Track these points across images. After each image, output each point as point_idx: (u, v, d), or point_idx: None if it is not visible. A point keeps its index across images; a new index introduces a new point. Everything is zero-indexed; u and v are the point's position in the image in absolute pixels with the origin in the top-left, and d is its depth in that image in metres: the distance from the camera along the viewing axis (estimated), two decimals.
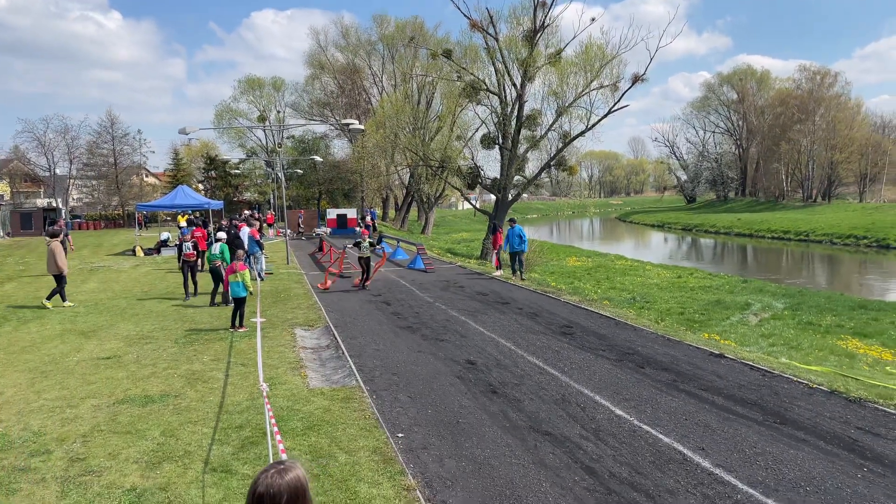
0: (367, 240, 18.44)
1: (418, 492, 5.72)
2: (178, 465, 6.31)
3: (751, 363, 9.89)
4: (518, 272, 20.23)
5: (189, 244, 16.93)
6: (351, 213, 45.41)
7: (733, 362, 10.01)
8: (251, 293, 13.37)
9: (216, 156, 60.70)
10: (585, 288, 20.50)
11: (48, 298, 15.82)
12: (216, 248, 16.02)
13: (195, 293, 16.85)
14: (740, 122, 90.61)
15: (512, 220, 21.25)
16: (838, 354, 12.13)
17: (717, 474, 6.06)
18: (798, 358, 11.36)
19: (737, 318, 15.89)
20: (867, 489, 5.69)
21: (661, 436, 7.03)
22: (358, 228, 43.96)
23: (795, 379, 8.98)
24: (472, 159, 34.72)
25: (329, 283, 19.01)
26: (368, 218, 36.16)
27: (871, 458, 6.32)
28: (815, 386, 8.63)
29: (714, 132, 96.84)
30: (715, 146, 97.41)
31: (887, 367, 10.87)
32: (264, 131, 58.55)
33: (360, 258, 18.40)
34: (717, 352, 10.63)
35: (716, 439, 6.90)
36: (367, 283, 18.26)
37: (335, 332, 12.41)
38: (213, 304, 15.62)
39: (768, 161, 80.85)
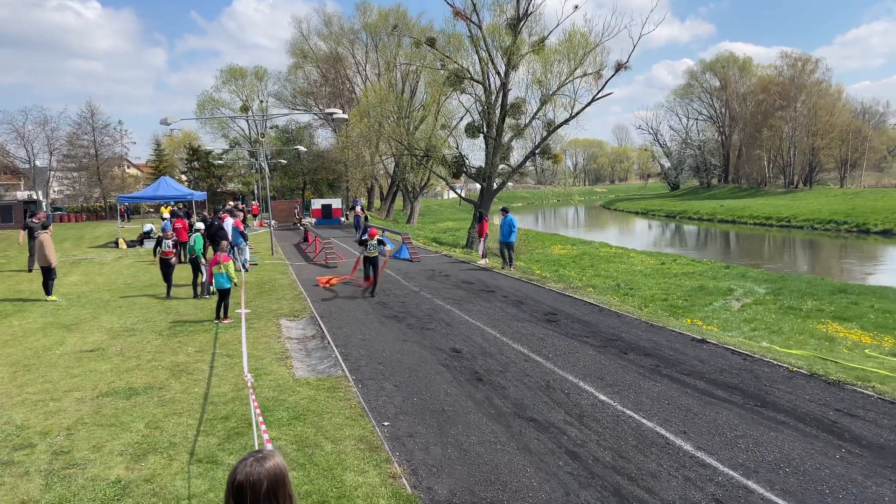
0: (374, 239, 15.41)
1: (404, 479, 5.77)
2: (163, 457, 6.31)
3: (732, 348, 10.02)
4: (507, 263, 19.99)
5: (170, 241, 16.02)
6: (336, 203, 45.25)
7: (715, 347, 10.13)
8: (236, 284, 13.32)
9: (199, 146, 60.25)
10: (570, 275, 20.60)
11: (49, 294, 15.67)
12: (193, 239, 15.95)
13: (168, 293, 15.76)
14: (723, 110, 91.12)
15: (504, 210, 20.93)
16: (818, 338, 12.30)
17: (699, 457, 6.15)
18: (779, 342, 11.51)
19: (719, 303, 16.05)
20: (845, 469, 5.80)
21: (643, 420, 7.12)
22: (343, 220, 44.00)
23: (776, 363, 9.11)
24: (457, 148, 34.70)
25: (335, 280, 17.85)
26: (358, 208, 36.01)
27: (849, 440, 6.44)
28: (795, 369, 8.76)
29: (697, 119, 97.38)
30: (698, 133, 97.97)
31: (866, 350, 11.05)
32: (247, 121, 58.04)
33: (366, 258, 15.60)
34: (699, 337, 10.75)
35: (697, 423, 7.00)
36: (373, 290, 15.58)
37: (321, 323, 12.40)
38: (196, 296, 15.53)
39: (750, 148, 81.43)
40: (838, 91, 78.04)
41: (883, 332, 12.91)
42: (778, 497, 5.34)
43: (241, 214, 22.81)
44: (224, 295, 12.73)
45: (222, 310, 12.74)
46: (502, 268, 19.79)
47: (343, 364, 9.49)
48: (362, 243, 15.62)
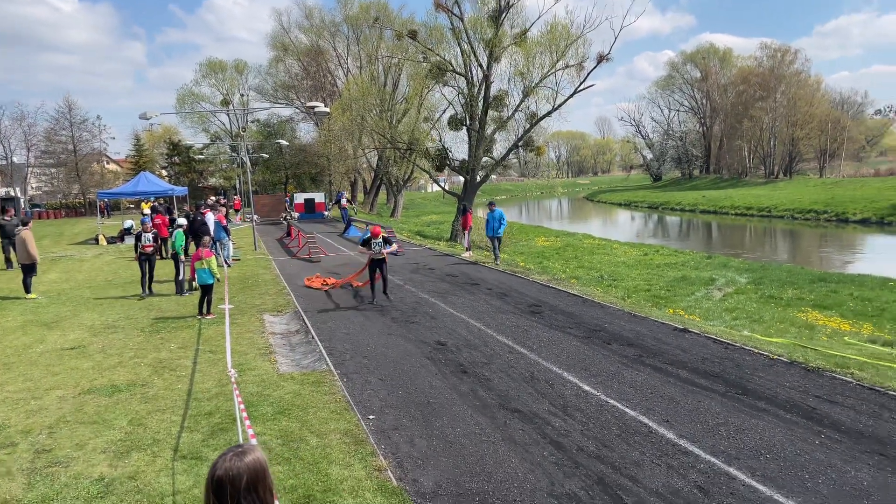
0: (380, 236, 13.79)
1: (389, 472, 5.78)
2: (146, 454, 6.27)
3: (714, 337, 10.12)
4: (495, 256, 19.86)
5: (150, 235, 15.58)
6: (319, 197, 45.02)
7: (697, 336, 10.23)
8: (219, 280, 13.23)
9: (179, 141, 59.65)
10: (554, 267, 20.68)
11: (28, 291, 15.47)
12: (174, 235, 15.81)
13: (150, 290, 15.35)
14: (704, 101, 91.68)
15: (491, 204, 20.76)
16: (799, 326, 12.45)
17: (682, 445, 6.22)
18: (760, 331, 11.64)
19: (701, 293, 16.19)
20: (824, 455, 5.89)
21: (627, 409, 7.18)
22: (326, 213, 43.80)
23: (757, 351, 9.22)
24: (440, 141, 34.60)
25: (332, 282, 16.44)
26: (343, 201, 35.85)
27: (829, 425, 6.54)
28: (775, 357, 8.87)
29: (679, 111, 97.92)
30: (679, 124, 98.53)
31: (845, 338, 11.21)
32: (228, 115, 57.62)
33: (372, 261, 13.79)
34: (681, 327, 10.85)
35: (680, 411, 7.07)
36: (384, 290, 13.90)
37: (304, 317, 12.36)
38: (179, 292, 15.40)
39: (731, 138, 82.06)
40: (817, 81, 78.86)
41: (862, 319, 13.09)
42: (759, 483, 5.42)
43: (224, 210, 22.62)
44: (207, 291, 12.65)
45: (205, 305, 12.66)
46: (494, 261, 19.64)
47: (327, 358, 9.48)
48: (366, 244, 13.77)
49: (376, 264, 13.74)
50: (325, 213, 43.76)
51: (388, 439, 6.60)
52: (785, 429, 6.49)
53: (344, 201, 35.66)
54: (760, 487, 5.34)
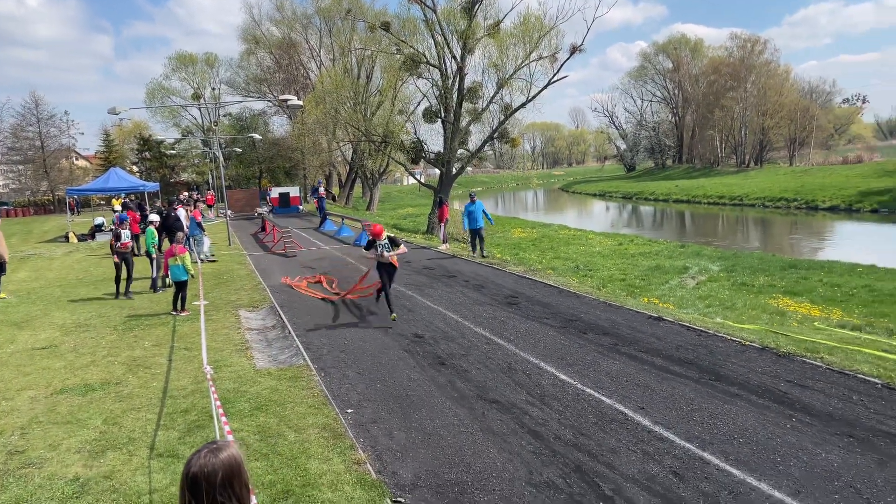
0: (384, 237, 11.55)
1: (368, 465, 5.79)
2: (122, 453, 6.20)
3: (687, 324, 10.26)
4: (478, 249, 19.41)
5: (126, 232, 14.93)
6: (294, 191, 44.68)
7: (671, 324, 10.37)
8: (193, 276, 13.08)
9: (150, 136, 58.69)
10: (530, 258, 20.77)
11: None
12: (146, 232, 15.55)
13: (128, 293, 14.55)
14: (676, 91, 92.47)
15: (472, 195, 20.20)
16: (770, 313, 12.67)
17: (657, 431, 6.31)
18: (732, 317, 11.83)
19: (675, 281, 16.39)
20: (796, 438, 6.02)
21: (603, 398, 7.26)
22: (301, 208, 43.49)
23: (729, 337, 9.37)
24: (415, 133, 34.52)
25: (301, 283, 15.52)
26: (321, 189, 35.61)
27: (800, 409, 6.68)
28: (747, 343, 9.03)
29: (651, 101, 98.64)
30: (652, 115, 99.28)
31: (815, 323, 11.43)
32: (199, 109, 56.76)
33: (379, 265, 11.64)
34: (655, 315, 10.99)
35: (655, 398, 7.17)
36: (389, 304, 11.60)
37: (281, 313, 12.29)
38: (153, 289, 15.20)
39: (703, 128, 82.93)
40: (786, 71, 79.94)
41: (831, 304, 13.36)
42: (732, 467, 5.52)
43: (201, 205, 22.37)
44: (181, 287, 12.51)
45: (179, 302, 12.52)
46: (481, 255, 19.17)
47: (305, 353, 9.44)
48: (371, 245, 11.57)
49: (382, 267, 11.58)
50: (300, 207, 43.45)
51: (366, 432, 6.61)
52: (757, 413, 6.62)
53: (322, 190, 35.43)
54: (734, 471, 5.44)
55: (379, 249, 11.45)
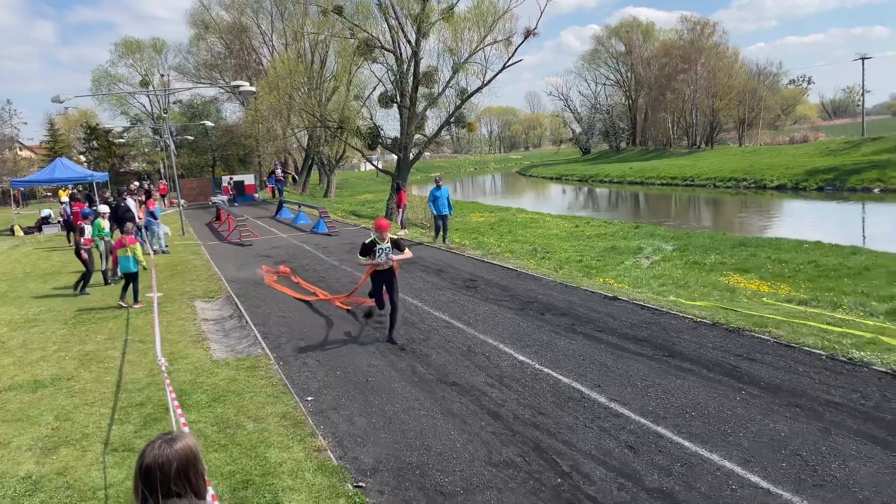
0: (387, 238, 9.09)
1: (329, 451, 5.79)
2: (75, 449, 6.07)
3: (642, 303, 10.48)
4: (440, 236, 19.12)
5: (89, 227, 14.13)
6: (249, 179, 43.93)
7: (626, 303, 10.58)
8: (145, 268, 12.79)
9: (97, 125, 56.98)
10: (489, 242, 20.87)
11: None
12: (102, 223, 15.09)
13: (84, 287, 13.75)
14: (629, 74, 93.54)
15: (438, 180, 19.82)
16: (721, 289, 13.00)
17: (613, 408, 6.46)
18: (685, 295, 12.10)
19: (630, 262, 16.68)
20: (745, 410, 6.23)
21: (560, 377, 7.38)
22: (257, 195, 42.80)
23: (682, 315, 9.61)
24: (372, 119, 34.23)
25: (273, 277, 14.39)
26: (279, 171, 35.03)
27: (749, 382, 6.90)
28: (699, 320, 9.27)
29: (605, 84, 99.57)
30: (606, 98, 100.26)
31: (763, 298, 11.78)
32: (148, 97, 55.14)
33: (377, 273, 9.21)
34: (611, 295, 11.19)
35: (611, 376, 7.32)
36: (392, 327, 9.33)
37: (237, 302, 12.13)
38: (105, 282, 14.81)
39: (656, 111, 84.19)
40: (735, 53, 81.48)
41: (779, 280, 13.78)
42: (684, 440, 5.69)
43: (156, 194, 21.85)
44: (131, 279, 12.22)
45: (133, 294, 12.23)
46: (446, 242, 18.88)
47: (263, 342, 9.35)
48: (368, 250, 9.06)
49: (382, 277, 9.23)
50: (256, 195, 42.78)
51: (327, 419, 6.60)
52: (709, 387, 6.82)
53: (279, 172, 34.86)
54: (686, 444, 5.61)
55: (379, 255, 8.98)
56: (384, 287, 9.29)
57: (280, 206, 30.73)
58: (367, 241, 9.12)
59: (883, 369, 6.90)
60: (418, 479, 5.32)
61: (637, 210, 39.91)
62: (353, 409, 6.83)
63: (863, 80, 63.47)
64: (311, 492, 5.07)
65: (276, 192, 34.97)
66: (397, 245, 9.20)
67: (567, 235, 22.61)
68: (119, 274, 12.80)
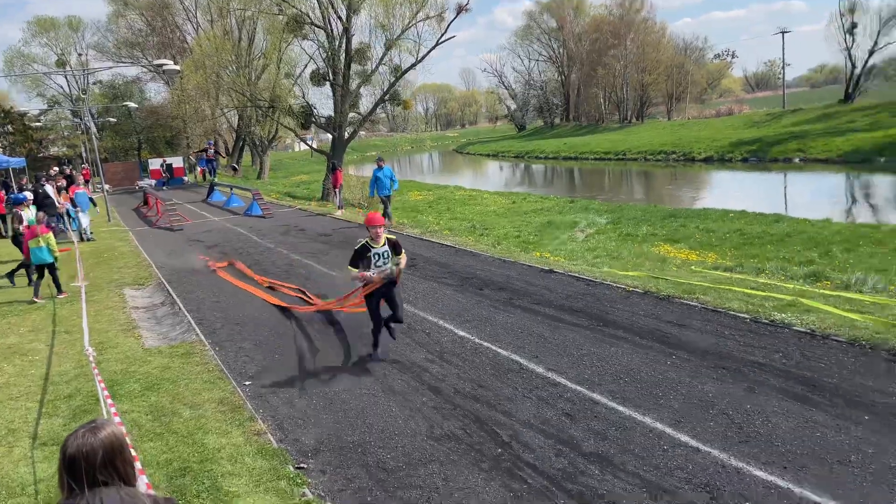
0: (383, 237, 7.41)
1: (269, 434, 5.73)
2: (1, 446, 5.82)
3: (577, 275, 10.71)
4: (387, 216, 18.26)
5: (27, 213, 13.08)
6: (177, 161, 42.49)
7: (562, 276, 10.79)
8: (57, 258, 11.90)
9: (11, 108, 53.81)
10: (428, 220, 20.89)
11: None
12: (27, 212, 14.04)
13: (11, 275, 13.00)
14: (561, 50, 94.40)
15: (380, 160, 19.13)
16: (652, 260, 13.41)
17: (550, 377, 6.60)
18: (618, 266, 12.43)
19: (566, 235, 17.00)
20: (675, 373, 6.47)
21: (499, 350, 7.49)
22: (186, 178, 41.48)
23: (615, 285, 9.87)
24: (304, 97, 33.55)
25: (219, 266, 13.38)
26: (211, 151, 33.94)
27: (678, 347, 7.16)
28: (631, 289, 9.54)
29: (538, 60, 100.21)
30: (539, 74, 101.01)
31: (692, 267, 12.22)
32: (66, 77, 52.60)
33: (371, 291, 7.36)
34: (547, 268, 11.39)
35: (548, 347, 7.48)
36: (391, 333, 7.75)
37: (169, 289, 11.78)
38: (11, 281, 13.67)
39: (588, 86, 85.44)
40: (663, 28, 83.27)
41: (707, 249, 14.30)
42: (618, 405, 5.87)
43: (80, 178, 20.90)
44: (46, 271, 11.47)
45: (45, 287, 11.56)
46: (391, 222, 18.15)
47: (197, 328, 9.13)
48: (360, 257, 7.24)
49: (381, 291, 7.35)
50: (185, 178, 41.46)
51: (266, 403, 6.52)
52: (641, 354, 7.05)
53: (211, 151, 33.82)
54: (620, 408, 5.80)
55: (375, 262, 7.15)
56: (384, 298, 7.33)
57: (211, 189, 29.85)
58: (357, 247, 7.23)
59: (802, 330, 7.27)
60: (360, 457, 5.33)
61: (572, 185, 40.62)
62: (292, 392, 6.77)
63: (783, 54, 66.25)
64: (252, 475, 5.02)
65: (209, 173, 33.92)
66: (396, 247, 7.32)
67: (505, 212, 22.84)
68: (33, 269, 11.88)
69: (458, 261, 12.71)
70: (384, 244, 7.27)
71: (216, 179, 31.06)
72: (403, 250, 7.51)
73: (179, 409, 6.36)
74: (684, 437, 5.21)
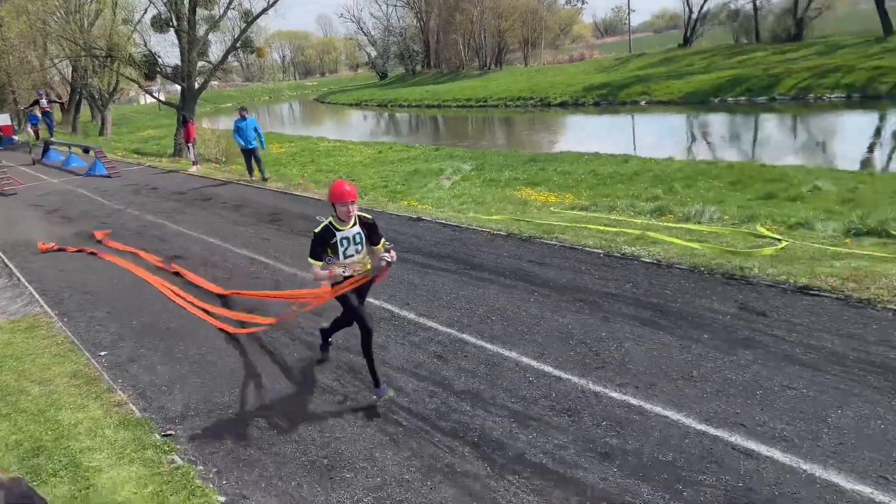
0: (354, 214, 5.30)
1: (131, 405, 5.46)
2: None
3: (444, 221, 10.89)
4: (258, 171, 17.48)
5: None
6: (3, 119, 38.18)
7: (429, 223, 10.92)
8: None
9: None
10: (291, 174, 20.28)
11: None
12: None
13: None
14: None
15: (242, 110, 17.90)
16: (515, 203, 13.86)
17: (421, 322, 6.73)
18: (483, 211, 12.75)
19: (433, 183, 17.14)
20: (538, 309, 6.80)
21: (371, 300, 7.43)
22: (16, 138, 37.43)
23: (480, 229, 10.14)
24: (146, 45, 31.03)
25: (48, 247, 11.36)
26: (44, 101, 30.66)
27: (540, 284, 7.52)
28: (495, 233, 9.85)
29: (396, 6, 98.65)
30: (398, 20, 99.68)
31: (551, 208, 12.76)
32: None
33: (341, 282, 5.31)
34: (415, 216, 11.48)
35: (419, 293, 7.60)
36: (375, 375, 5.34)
37: (5, 259, 10.74)
38: None
39: (447, 33, 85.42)
40: None
41: (565, 191, 14.95)
42: (486, 343, 6.11)
43: None
44: None
45: None
46: (262, 178, 17.25)
47: (40, 300, 8.43)
48: (323, 244, 5.29)
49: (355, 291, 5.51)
50: (15, 138, 37.43)
51: (125, 373, 6.18)
52: (507, 293, 7.33)
53: (45, 102, 30.62)
54: (488, 346, 6.04)
55: (345, 253, 5.27)
56: (359, 297, 5.55)
57: (46, 148, 27.18)
58: (317, 231, 5.28)
59: (649, 260, 7.86)
60: (231, 418, 5.22)
61: (437, 133, 40.83)
62: (154, 359, 6.45)
63: (628, 1, 69.03)
64: (114, 448, 4.77)
65: (47, 130, 30.78)
66: (374, 229, 5.41)
67: (371, 162, 22.61)
68: None
69: (326, 213, 12.48)
70: (354, 224, 5.24)
71: (53, 137, 28.27)
72: (391, 255, 5.31)
73: (27, 386, 5.89)
74: (548, 368, 5.53)
